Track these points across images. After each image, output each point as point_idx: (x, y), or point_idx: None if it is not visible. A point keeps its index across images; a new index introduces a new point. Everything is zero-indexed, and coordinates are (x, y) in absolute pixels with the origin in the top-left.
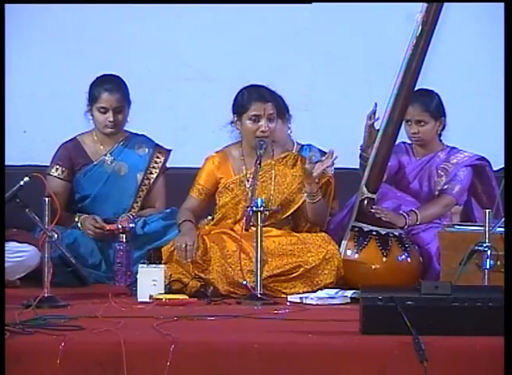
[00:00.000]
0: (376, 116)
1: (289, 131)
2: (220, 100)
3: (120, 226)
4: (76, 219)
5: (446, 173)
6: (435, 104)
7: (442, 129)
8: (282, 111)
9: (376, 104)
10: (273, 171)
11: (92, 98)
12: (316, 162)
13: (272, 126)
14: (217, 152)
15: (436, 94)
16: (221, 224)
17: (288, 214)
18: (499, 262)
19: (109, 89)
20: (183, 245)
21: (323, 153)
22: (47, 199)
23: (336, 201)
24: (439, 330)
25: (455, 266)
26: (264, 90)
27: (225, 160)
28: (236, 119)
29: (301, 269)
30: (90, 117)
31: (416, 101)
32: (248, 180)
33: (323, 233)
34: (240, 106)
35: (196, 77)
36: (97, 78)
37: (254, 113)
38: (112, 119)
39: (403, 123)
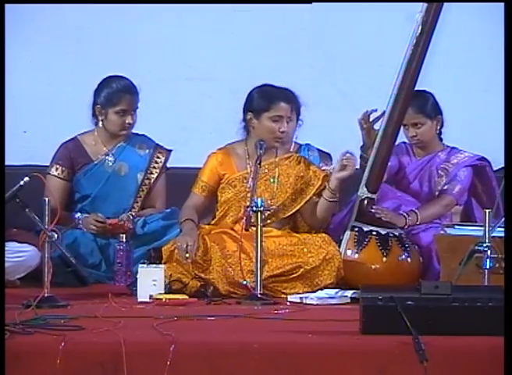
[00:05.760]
0: (374, 116)
1: (296, 132)
2: (220, 100)
3: (122, 220)
4: (79, 215)
5: (447, 173)
6: (429, 104)
7: (441, 127)
8: (298, 113)
9: (384, 112)
10: (277, 170)
11: (108, 102)
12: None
13: (289, 127)
14: (220, 149)
15: (429, 93)
16: (221, 223)
17: (289, 214)
18: (497, 265)
19: (129, 91)
20: (184, 245)
21: (322, 153)
22: (47, 199)
23: None
24: (439, 330)
25: (454, 266)
26: (287, 91)
27: (229, 157)
28: (250, 116)
29: (301, 269)
30: (101, 120)
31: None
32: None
33: (323, 234)
34: (260, 104)
35: (196, 77)
36: (108, 80)
37: (277, 114)
38: (131, 121)
39: (401, 127)
